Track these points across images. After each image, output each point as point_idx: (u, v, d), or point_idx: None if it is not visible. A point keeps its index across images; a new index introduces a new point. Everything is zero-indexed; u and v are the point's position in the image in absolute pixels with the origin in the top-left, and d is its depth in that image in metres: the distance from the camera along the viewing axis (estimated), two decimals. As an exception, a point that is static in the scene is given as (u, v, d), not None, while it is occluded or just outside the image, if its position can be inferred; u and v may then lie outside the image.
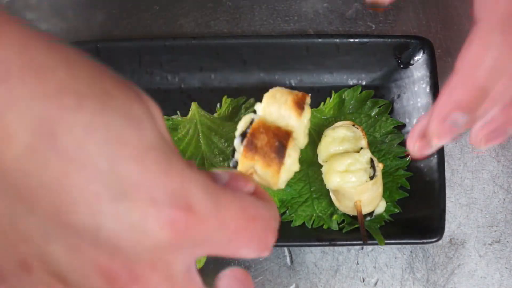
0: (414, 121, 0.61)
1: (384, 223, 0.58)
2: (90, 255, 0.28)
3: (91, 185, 0.26)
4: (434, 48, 0.61)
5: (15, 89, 0.26)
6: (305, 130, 0.53)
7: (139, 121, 0.28)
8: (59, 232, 0.27)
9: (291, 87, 0.63)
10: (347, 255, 0.59)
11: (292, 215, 0.59)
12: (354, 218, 0.58)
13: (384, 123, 0.61)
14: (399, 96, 0.62)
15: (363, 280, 0.59)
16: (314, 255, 0.59)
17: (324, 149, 0.56)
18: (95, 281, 0.28)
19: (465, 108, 0.42)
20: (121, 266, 0.28)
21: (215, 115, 0.62)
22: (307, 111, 0.53)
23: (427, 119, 0.47)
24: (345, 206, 0.57)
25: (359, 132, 0.57)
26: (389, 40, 0.62)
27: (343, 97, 0.62)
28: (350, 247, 0.59)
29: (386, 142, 0.61)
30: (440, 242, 0.59)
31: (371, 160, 0.55)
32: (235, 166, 0.51)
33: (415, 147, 0.49)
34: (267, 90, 0.53)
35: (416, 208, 0.59)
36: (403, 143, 0.60)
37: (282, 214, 0.59)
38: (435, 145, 0.45)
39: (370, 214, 0.57)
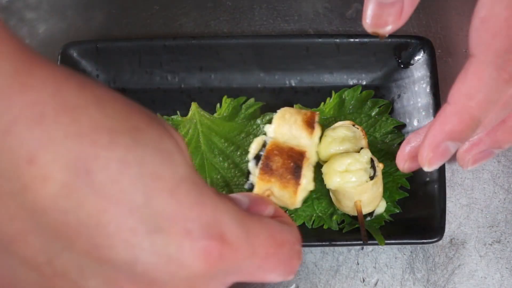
0: (414, 121, 0.61)
1: (384, 223, 0.58)
2: None
3: (128, 220, 0.27)
4: (434, 48, 0.61)
5: (50, 130, 0.26)
6: (316, 148, 0.54)
7: (169, 155, 0.29)
8: (96, 267, 0.28)
9: (291, 87, 0.63)
10: (347, 255, 0.59)
11: (292, 215, 0.59)
12: (354, 218, 0.58)
13: (384, 123, 0.61)
14: (399, 96, 0.62)
15: (363, 280, 0.59)
16: (314, 255, 0.59)
17: (324, 149, 0.56)
18: None
19: (457, 138, 0.45)
20: None
21: (215, 115, 0.61)
22: (318, 130, 0.54)
23: (417, 140, 0.51)
24: (345, 206, 0.56)
25: (359, 132, 0.57)
26: (389, 40, 0.61)
27: (343, 97, 0.62)
28: (350, 247, 0.59)
29: (386, 142, 0.61)
30: (440, 242, 0.59)
31: (371, 160, 0.55)
32: (251, 189, 0.52)
33: (404, 166, 0.52)
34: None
35: (416, 208, 0.59)
36: (403, 143, 0.60)
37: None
38: (426, 170, 0.48)
39: (370, 214, 0.57)
